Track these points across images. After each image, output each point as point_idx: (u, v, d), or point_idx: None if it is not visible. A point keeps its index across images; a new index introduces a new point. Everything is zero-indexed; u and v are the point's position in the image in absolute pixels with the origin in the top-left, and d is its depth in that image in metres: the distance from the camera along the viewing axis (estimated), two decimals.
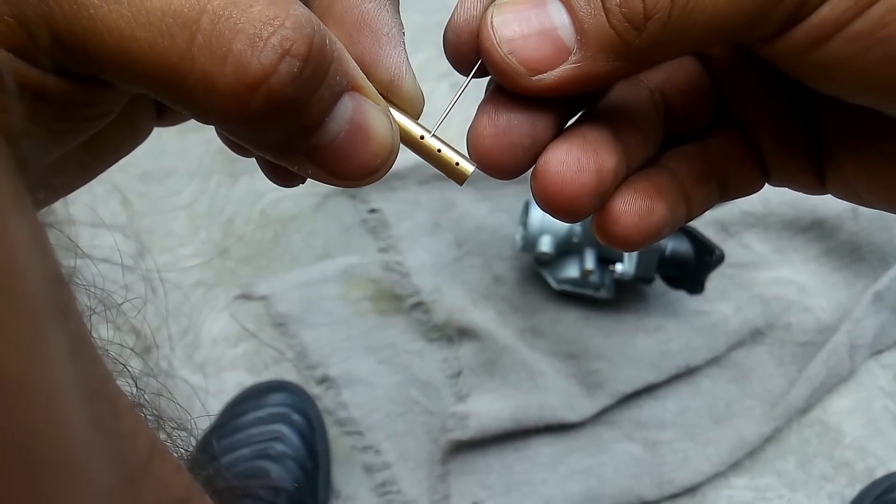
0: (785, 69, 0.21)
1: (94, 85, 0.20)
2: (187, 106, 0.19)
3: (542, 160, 0.23)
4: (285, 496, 0.70)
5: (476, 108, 0.24)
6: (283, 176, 0.25)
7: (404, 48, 0.23)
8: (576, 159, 0.23)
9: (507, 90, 0.23)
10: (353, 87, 0.21)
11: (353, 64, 0.21)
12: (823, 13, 0.19)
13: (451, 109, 0.26)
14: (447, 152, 0.24)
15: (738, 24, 0.20)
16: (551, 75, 0.22)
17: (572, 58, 0.21)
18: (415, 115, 0.24)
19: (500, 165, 0.23)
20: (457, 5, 0.23)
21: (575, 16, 0.21)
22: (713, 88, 0.26)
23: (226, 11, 0.18)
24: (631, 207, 0.24)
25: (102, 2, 0.17)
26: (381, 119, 0.22)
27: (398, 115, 0.24)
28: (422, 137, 0.24)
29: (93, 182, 0.28)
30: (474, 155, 0.24)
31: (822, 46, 0.19)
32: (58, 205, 0.20)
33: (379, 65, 0.23)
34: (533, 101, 0.23)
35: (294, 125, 0.20)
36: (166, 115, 0.27)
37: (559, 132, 0.24)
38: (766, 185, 0.27)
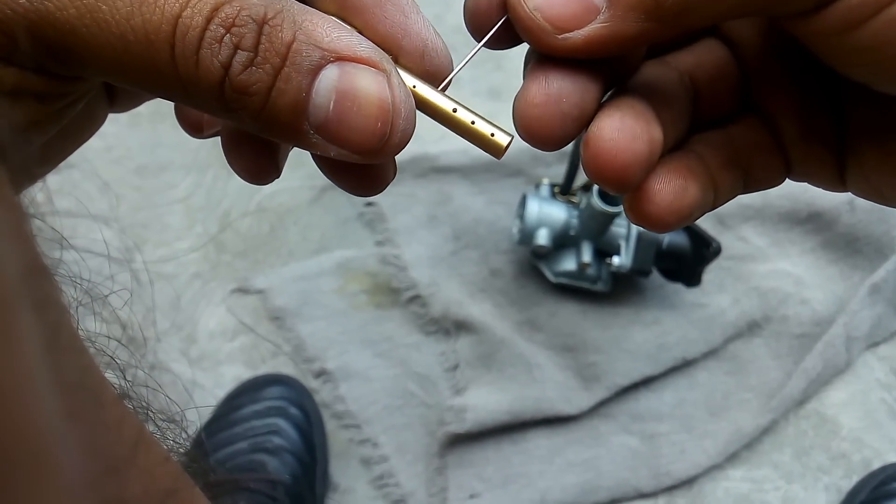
0: (817, 51, 0.21)
1: (74, 79, 0.21)
2: (181, 102, 0.22)
3: (594, 128, 0.23)
4: (283, 489, 0.70)
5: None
6: (254, 173, 0.26)
7: (424, 17, 0.24)
8: (630, 127, 0.22)
9: (552, 60, 0.23)
10: (338, 58, 0.21)
11: (335, 35, 0.21)
12: None
13: (460, 69, 0.25)
14: (481, 124, 0.24)
15: None
16: (578, 34, 0.21)
17: (601, 17, 0.21)
18: (445, 77, 0.24)
19: (548, 135, 0.23)
20: None
21: None
22: (740, 76, 0.26)
23: (193, 21, 0.20)
24: (666, 186, 0.24)
25: (93, 22, 0.19)
26: (367, 80, 0.21)
27: (428, 91, 0.23)
28: (454, 110, 0.23)
29: (86, 175, 0.29)
30: (521, 124, 0.23)
31: (858, 29, 0.19)
32: (45, 197, 0.20)
33: (410, 33, 0.23)
34: (581, 70, 0.23)
35: (273, 107, 0.21)
36: (118, 101, 0.27)
37: (600, 104, 0.23)
38: (787, 179, 0.27)
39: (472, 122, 0.24)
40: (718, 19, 0.21)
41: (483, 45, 0.24)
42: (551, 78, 0.22)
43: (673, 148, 0.25)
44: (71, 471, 0.12)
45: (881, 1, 0.18)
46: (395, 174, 0.26)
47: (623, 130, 0.22)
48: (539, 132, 0.23)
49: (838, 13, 0.19)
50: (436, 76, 0.24)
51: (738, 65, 0.26)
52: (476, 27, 0.24)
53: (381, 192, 0.25)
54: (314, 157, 0.25)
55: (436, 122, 0.24)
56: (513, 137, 0.24)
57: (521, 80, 0.24)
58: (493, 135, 0.24)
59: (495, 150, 0.24)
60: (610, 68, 0.23)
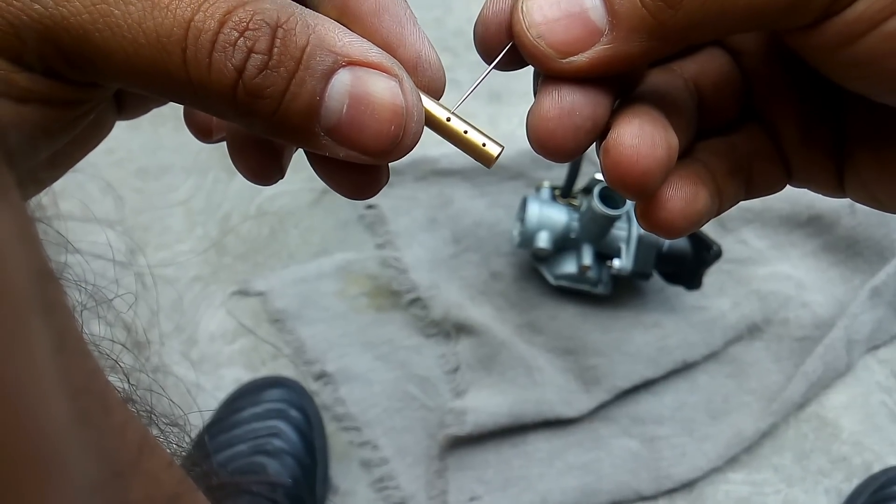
0: (816, 64, 0.21)
1: (87, 86, 0.21)
2: (191, 105, 0.22)
3: (614, 135, 0.23)
4: (283, 492, 0.70)
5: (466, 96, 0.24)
6: (258, 174, 0.27)
7: (421, 29, 0.24)
8: (649, 134, 0.22)
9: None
10: (350, 63, 0.21)
11: (347, 40, 0.22)
12: (860, 9, 0.19)
13: (471, 92, 0.26)
14: (473, 134, 0.24)
15: (778, 9, 0.20)
16: (582, 57, 0.22)
17: (604, 39, 0.21)
18: (439, 91, 0.25)
19: (562, 148, 0.23)
20: (486, 0, 0.24)
21: None
22: (742, 83, 0.26)
23: (205, 24, 0.20)
24: (677, 193, 0.24)
25: (105, 27, 0.19)
26: (381, 85, 0.22)
27: (424, 99, 0.24)
28: (448, 119, 0.24)
29: (88, 179, 0.29)
30: (535, 137, 0.23)
31: (855, 43, 0.19)
32: (50, 201, 0.20)
33: (405, 44, 0.23)
34: (591, 83, 0.23)
35: (286, 111, 0.21)
36: (126, 108, 0.28)
37: (610, 115, 0.24)
38: (787, 185, 0.27)
39: (465, 132, 0.24)
40: (720, 35, 0.22)
41: (493, 69, 0.25)
42: (564, 92, 0.23)
43: (680, 155, 0.25)
44: (78, 476, 0.12)
45: (877, 17, 0.19)
46: (388, 178, 0.26)
47: (642, 137, 0.22)
48: (553, 145, 0.23)
49: (836, 28, 0.19)
50: (428, 88, 0.24)
51: (740, 73, 0.26)
52: (485, 51, 0.24)
53: (376, 195, 0.26)
54: (309, 158, 0.25)
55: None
56: (503, 148, 0.25)
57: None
58: (484, 145, 0.24)
59: (486, 159, 0.24)
60: (619, 79, 0.24)
